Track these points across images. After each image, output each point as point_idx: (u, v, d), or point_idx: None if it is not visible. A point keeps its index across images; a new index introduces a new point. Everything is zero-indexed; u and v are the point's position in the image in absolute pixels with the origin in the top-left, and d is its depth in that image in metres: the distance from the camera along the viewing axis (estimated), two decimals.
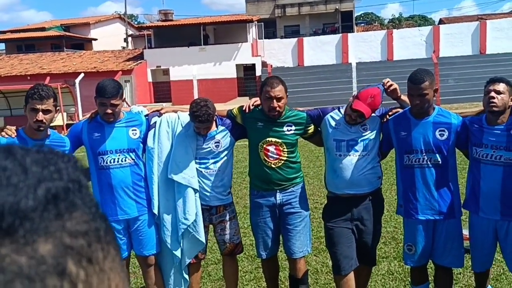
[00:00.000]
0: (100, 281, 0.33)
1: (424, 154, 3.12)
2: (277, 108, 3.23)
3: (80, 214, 0.33)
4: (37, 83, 3.00)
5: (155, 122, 3.38)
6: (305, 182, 8.48)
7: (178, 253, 3.42)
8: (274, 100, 3.21)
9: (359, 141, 3.23)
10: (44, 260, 0.30)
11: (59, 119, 17.01)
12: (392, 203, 5.48)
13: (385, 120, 3.29)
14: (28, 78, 23.79)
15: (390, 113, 3.30)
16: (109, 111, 3.13)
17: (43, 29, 35.41)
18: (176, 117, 3.42)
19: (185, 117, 3.39)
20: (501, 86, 2.99)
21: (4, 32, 37.33)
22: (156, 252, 3.43)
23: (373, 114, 3.28)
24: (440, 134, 3.12)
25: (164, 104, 21.08)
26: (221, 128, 3.41)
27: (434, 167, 3.12)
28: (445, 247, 3.19)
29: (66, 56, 28.83)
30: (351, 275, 3.26)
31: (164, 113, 3.45)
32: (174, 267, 3.48)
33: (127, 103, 20.87)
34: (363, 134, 3.24)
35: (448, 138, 3.11)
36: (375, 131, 3.28)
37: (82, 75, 19.49)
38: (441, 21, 36.95)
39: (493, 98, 2.97)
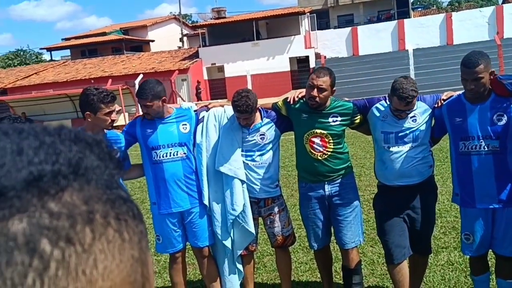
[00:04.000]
0: (80, 262, 0.33)
1: (481, 140, 2.98)
2: (316, 98, 3.17)
3: (69, 196, 0.34)
4: (91, 88, 3.12)
5: (203, 117, 3.47)
6: (362, 173, 8.22)
7: (228, 243, 3.49)
8: (315, 89, 3.16)
9: (408, 132, 3.12)
10: (15, 237, 0.31)
11: (121, 119, 17.78)
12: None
13: (439, 104, 3.17)
14: (92, 81, 24.97)
15: (444, 98, 3.18)
16: (144, 111, 3.31)
17: (104, 34, 37.08)
18: (223, 111, 3.49)
19: (231, 111, 3.44)
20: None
21: (68, 39, 39.53)
22: (209, 243, 3.52)
23: (423, 105, 3.16)
24: (498, 119, 2.97)
25: (219, 100, 21.47)
26: (266, 120, 3.43)
27: (492, 154, 2.97)
28: (505, 236, 3.04)
29: (126, 59, 30.03)
30: (404, 264, 3.20)
31: (211, 107, 3.53)
32: (226, 258, 3.56)
33: (181, 98, 21.38)
34: (412, 125, 3.13)
35: (507, 123, 2.95)
36: (425, 121, 3.15)
37: (141, 76, 20.22)
38: (505, 0, 34.82)
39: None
